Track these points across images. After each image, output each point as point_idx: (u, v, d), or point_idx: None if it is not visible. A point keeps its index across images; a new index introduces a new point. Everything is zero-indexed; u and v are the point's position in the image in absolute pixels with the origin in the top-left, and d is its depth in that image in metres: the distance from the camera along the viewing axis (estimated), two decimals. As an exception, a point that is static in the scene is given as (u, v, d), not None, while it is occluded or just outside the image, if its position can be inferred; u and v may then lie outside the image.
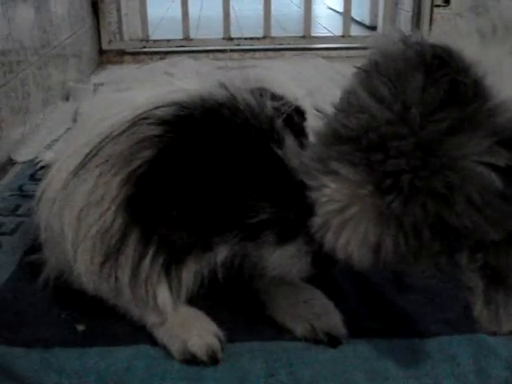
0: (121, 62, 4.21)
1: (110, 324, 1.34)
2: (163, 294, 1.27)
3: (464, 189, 0.92)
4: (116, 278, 1.26)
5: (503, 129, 0.93)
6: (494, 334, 1.07)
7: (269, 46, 4.33)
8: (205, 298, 1.33)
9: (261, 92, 1.32)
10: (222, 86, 1.31)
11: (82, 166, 1.29)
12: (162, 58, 4.06)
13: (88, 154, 1.28)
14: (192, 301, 1.33)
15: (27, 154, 2.42)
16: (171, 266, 1.25)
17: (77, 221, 1.27)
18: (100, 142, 1.28)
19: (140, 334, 1.32)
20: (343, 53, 4.18)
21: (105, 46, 4.20)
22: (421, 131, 0.94)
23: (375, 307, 1.43)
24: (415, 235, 0.96)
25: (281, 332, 1.33)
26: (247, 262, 1.29)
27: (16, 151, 2.43)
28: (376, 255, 1.02)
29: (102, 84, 3.32)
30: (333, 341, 1.30)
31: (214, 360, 1.25)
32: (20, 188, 2.11)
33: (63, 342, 1.31)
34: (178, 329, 1.30)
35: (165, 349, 1.29)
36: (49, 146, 2.47)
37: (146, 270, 1.24)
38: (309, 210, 1.19)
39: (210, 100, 1.26)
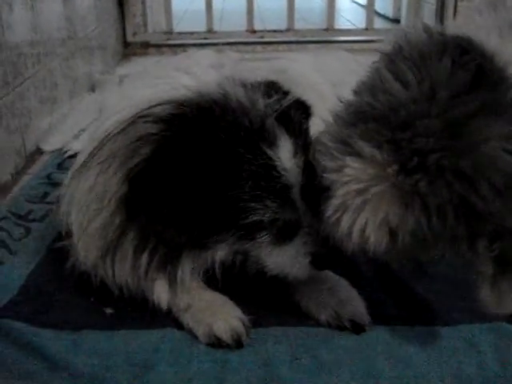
0: (145, 54, 4.24)
1: (137, 307, 1.36)
2: (159, 290, 1.31)
3: (487, 172, 0.93)
4: (114, 272, 1.30)
5: None
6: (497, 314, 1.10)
7: (292, 38, 4.33)
8: (231, 285, 1.35)
9: (263, 87, 1.31)
10: (220, 82, 1.30)
11: (85, 163, 1.34)
12: (185, 51, 4.08)
13: (91, 152, 1.33)
14: (218, 287, 1.36)
15: (55, 143, 2.46)
16: (167, 263, 1.28)
17: (79, 215, 1.33)
18: (102, 141, 1.32)
19: (167, 317, 1.36)
20: (366, 45, 4.17)
21: (129, 38, 4.23)
22: (448, 112, 0.95)
23: (397, 295, 1.45)
24: (439, 216, 0.96)
25: (305, 318, 1.36)
26: (248, 261, 1.31)
27: (44, 141, 2.47)
28: (393, 239, 1.02)
29: (126, 76, 3.35)
30: (356, 327, 1.31)
31: (238, 343, 1.28)
32: (48, 176, 2.15)
33: (92, 325, 1.35)
34: (204, 313, 1.32)
35: (191, 332, 1.32)
36: (76, 136, 2.51)
37: (144, 266, 1.28)
38: (306, 209, 1.23)
39: (205, 98, 1.25)
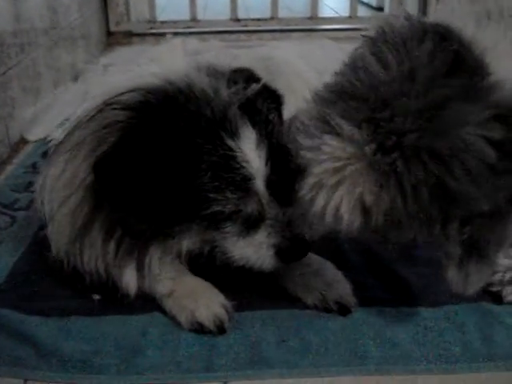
0: (128, 44, 4.21)
1: (124, 293, 1.36)
2: (128, 277, 1.30)
3: (462, 155, 0.95)
4: (83, 258, 1.30)
5: (499, 104, 0.97)
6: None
7: (276, 27, 4.32)
8: (218, 269, 1.35)
9: (233, 75, 1.30)
10: (188, 70, 1.29)
11: (55, 150, 1.37)
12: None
13: (61, 140, 1.35)
14: (204, 272, 1.37)
15: (39, 132, 2.45)
16: (134, 251, 1.28)
17: (49, 202, 1.33)
18: (71, 128, 1.34)
19: (153, 302, 1.36)
20: (350, 34, 4.16)
21: (112, 28, 4.20)
22: (427, 94, 0.97)
23: (383, 278, 1.46)
24: (414, 196, 0.98)
25: (292, 301, 1.37)
26: (215, 251, 1.31)
27: (28, 130, 2.46)
28: (366, 219, 1.03)
29: (110, 65, 3.33)
30: (343, 309, 1.33)
31: (221, 329, 1.28)
32: (33, 165, 2.14)
33: (80, 311, 1.35)
34: (186, 299, 1.33)
35: (173, 318, 1.32)
36: (60, 125, 2.49)
37: (112, 253, 1.28)
38: (270, 201, 1.23)
39: (171, 86, 1.25)
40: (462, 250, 1.05)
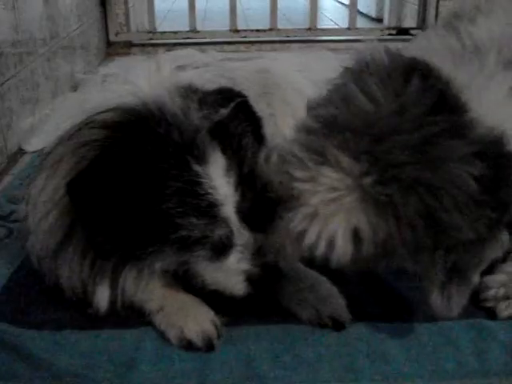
0: (128, 54, 4.24)
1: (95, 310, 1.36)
2: (100, 295, 1.30)
3: (452, 187, 0.99)
4: (57, 274, 1.31)
5: (478, 141, 1.02)
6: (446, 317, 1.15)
7: (275, 37, 4.34)
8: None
9: (213, 96, 1.29)
10: (163, 91, 1.28)
11: (39, 166, 1.39)
12: (168, 50, 4.08)
13: (44, 157, 1.37)
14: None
15: (37, 143, 2.45)
16: (108, 270, 1.28)
17: (31, 216, 1.35)
18: (53, 145, 1.35)
19: (147, 316, 1.35)
20: (349, 45, 4.18)
21: (112, 38, 4.22)
22: (420, 129, 1.01)
23: (377, 293, 1.46)
24: (411, 226, 1.01)
25: (286, 316, 1.36)
26: (189, 273, 1.31)
27: (26, 141, 2.47)
28: (358, 248, 1.05)
29: (110, 75, 3.34)
30: (337, 325, 1.33)
31: (209, 347, 1.28)
32: (30, 177, 2.14)
33: (74, 325, 1.35)
34: (175, 315, 1.32)
35: (163, 334, 1.32)
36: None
37: (87, 271, 1.28)
38: (240, 227, 1.23)
39: (144, 107, 1.24)
40: (443, 275, 1.08)
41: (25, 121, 2.51)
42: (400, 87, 1.05)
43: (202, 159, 1.20)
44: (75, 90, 3.21)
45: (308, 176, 1.05)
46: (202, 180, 1.19)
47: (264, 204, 1.11)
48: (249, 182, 1.20)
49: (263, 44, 4.33)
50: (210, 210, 1.21)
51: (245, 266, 1.27)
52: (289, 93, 1.98)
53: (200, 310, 1.33)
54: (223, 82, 1.59)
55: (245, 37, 4.31)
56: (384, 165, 1.01)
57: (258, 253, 1.26)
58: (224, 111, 1.26)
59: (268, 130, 1.76)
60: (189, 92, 1.30)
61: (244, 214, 1.25)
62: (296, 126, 1.15)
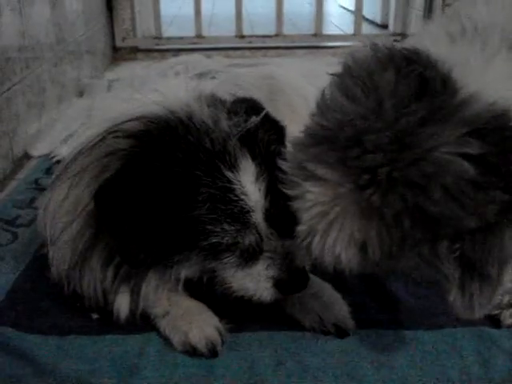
0: (134, 59, 4.25)
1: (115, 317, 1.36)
2: (121, 304, 1.31)
3: (439, 178, 0.94)
4: (82, 283, 1.32)
5: (473, 119, 0.96)
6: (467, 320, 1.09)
7: (280, 43, 4.35)
8: (215, 293, 1.35)
9: (235, 105, 1.30)
10: (189, 99, 1.29)
11: (58, 176, 1.38)
12: (174, 55, 4.09)
13: (64, 166, 1.37)
14: (202, 292, 1.36)
15: (43, 148, 2.47)
16: (132, 278, 1.29)
17: (51, 227, 1.34)
18: (74, 155, 1.35)
19: (152, 322, 1.36)
20: (354, 51, 4.18)
21: (118, 43, 4.24)
22: (395, 124, 0.96)
23: (381, 300, 1.46)
24: (397, 225, 0.97)
25: (289, 323, 1.36)
26: (215, 280, 1.31)
27: (32, 146, 2.48)
28: (364, 254, 1.02)
29: (116, 80, 3.35)
30: (340, 332, 1.33)
31: (213, 353, 1.28)
32: (36, 181, 2.15)
33: (78, 330, 1.36)
34: (180, 321, 1.33)
35: (167, 340, 1.32)
36: (64, 141, 2.51)
37: (110, 279, 1.29)
38: (269, 233, 1.23)
39: (172, 116, 1.25)
40: (461, 271, 1.02)
41: (31, 125, 2.52)
42: (378, 81, 1.01)
43: (233, 166, 1.21)
44: (81, 95, 3.23)
45: (296, 193, 1.04)
46: (234, 186, 1.20)
47: (291, 209, 1.11)
48: (276, 188, 1.19)
49: (269, 50, 4.33)
50: (241, 217, 1.21)
51: (273, 272, 1.27)
52: (294, 99, 1.99)
53: (205, 316, 1.34)
54: (238, 91, 1.61)
55: (250, 42, 4.32)
56: (357, 170, 0.98)
57: (285, 258, 1.26)
58: (254, 119, 1.27)
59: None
60: (214, 101, 1.32)
61: (272, 220, 1.25)
62: (289, 140, 1.14)
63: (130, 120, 1.28)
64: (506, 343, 1.30)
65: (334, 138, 0.99)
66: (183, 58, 3.84)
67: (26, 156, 2.43)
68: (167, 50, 4.27)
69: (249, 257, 1.26)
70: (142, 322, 1.35)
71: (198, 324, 1.31)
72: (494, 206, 0.96)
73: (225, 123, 1.24)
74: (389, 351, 1.29)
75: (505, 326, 1.34)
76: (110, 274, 1.28)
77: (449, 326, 1.35)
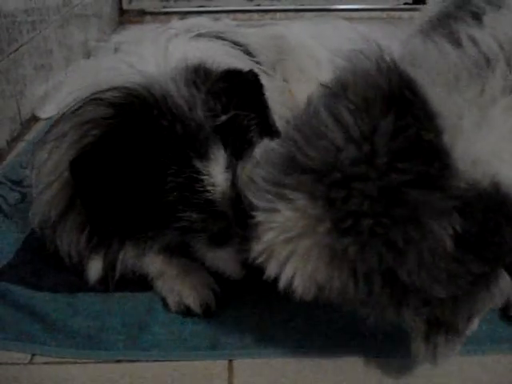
0: (141, 22, 4.20)
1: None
2: (93, 269, 1.33)
3: (419, 245, 0.89)
4: (60, 242, 1.34)
5: (461, 194, 0.90)
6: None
7: (289, 6, 4.28)
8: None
9: (214, 84, 1.26)
10: (170, 76, 1.26)
11: (43, 137, 1.41)
12: (181, 18, 4.04)
13: (48, 128, 1.40)
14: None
15: (50, 110, 2.44)
16: (104, 246, 1.30)
17: (35, 185, 1.38)
18: (58, 118, 1.37)
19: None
20: (364, 14, 4.12)
21: (125, 6, 4.18)
22: (386, 177, 0.90)
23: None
24: (366, 283, 0.92)
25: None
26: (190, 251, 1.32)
27: (39, 108, 2.46)
28: (320, 292, 0.97)
29: (122, 42, 3.32)
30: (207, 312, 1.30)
31: (207, 313, 1.28)
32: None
33: (87, 288, 1.36)
34: (175, 281, 1.33)
35: (164, 300, 1.33)
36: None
37: (83, 243, 1.30)
38: (237, 221, 1.21)
39: (150, 96, 1.23)
40: (427, 327, 0.98)
41: (38, 87, 2.50)
42: (375, 122, 0.92)
43: (203, 155, 1.19)
44: (88, 58, 3.20)
45: (266, 207, 0.96)
46: (201, 177, 1.19)
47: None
48: None
49: (277, 12, 4.28)
50: (209, 206, 1.21)
51: (242, 255, 1.23)
52: (304, 59, 1.96)
53: (199, 276, 1.34)
54: (237, 54, 1.59)
55: (258, 5, 4.26)
56: (341, 213, 0.91)
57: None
58: (229, 114, 1.23)
59: (281, 98, 1.75)
60: (196, 78, 1.27)
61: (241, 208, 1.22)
62: (264, 148, 1.06)
63: (111, 89, 1.27)
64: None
65: (322, 173, 0.91)
66: (189, 20, 3.79)
67: (34, 118, 2.42)
68: (174, 13, 4.21)
69: (218, 240, 1.27)
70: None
71: (193, 284, 1.31)
72: (469, 278, 0.91)
73: (200, 111, 1.21)
74: (381, 377, 1.19)
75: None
76: (83, 238, 1.30)
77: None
